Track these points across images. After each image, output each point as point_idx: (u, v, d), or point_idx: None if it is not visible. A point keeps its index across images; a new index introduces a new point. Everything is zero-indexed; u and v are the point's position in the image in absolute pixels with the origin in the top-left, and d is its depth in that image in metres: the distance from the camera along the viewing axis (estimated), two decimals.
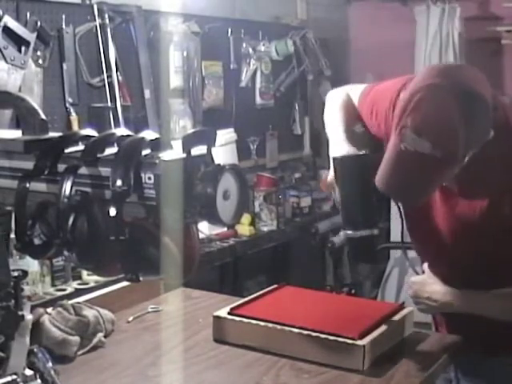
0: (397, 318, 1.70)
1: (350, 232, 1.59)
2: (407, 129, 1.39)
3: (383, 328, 1.63)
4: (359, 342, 1.54)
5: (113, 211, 1.09)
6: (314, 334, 1.58)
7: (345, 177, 1.61)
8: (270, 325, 1.63)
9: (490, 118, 1.43)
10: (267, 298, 1.83)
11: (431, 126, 1.39)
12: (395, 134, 1.42)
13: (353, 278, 3.29)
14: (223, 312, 1.71)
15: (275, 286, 1.92)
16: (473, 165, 1.44)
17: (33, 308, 1.50)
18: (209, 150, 1.18)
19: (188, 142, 1.15)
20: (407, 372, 1.52)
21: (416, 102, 1.40)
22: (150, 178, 1.11)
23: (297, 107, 3.98)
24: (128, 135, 1.21)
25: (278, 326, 1.62)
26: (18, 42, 2.48)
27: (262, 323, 1.64)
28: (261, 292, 1.87)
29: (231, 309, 1.71)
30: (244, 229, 3.18)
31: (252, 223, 3.26)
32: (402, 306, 1.75)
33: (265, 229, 3.30)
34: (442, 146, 1.37)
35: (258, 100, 3.73)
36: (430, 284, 1.69)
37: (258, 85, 3.71)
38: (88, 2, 2.77)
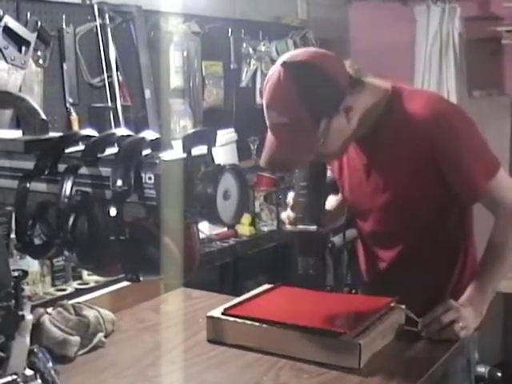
0: (391, 314, 1.70)
1: (301, 227, 1.75)
2: (264, 108, 1.67)
3: (378, 325, 1.64)
4: (355, 340, 1.54)
5: (113, 211, 1.09)
6: (307, 332, 1.58)
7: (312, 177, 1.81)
8: (264, 325, 1.63)
9: (335, 93, 1.65)
10: (261, 298, 1.83)
11: (273, 97, 1.65)
12: None
13: (353, 278, 3.29)
14: (217, 312, 1.71)
15: (268, 285, 1.92)
16: (376, 144, 1.75)
17: (33, 308, 1.50)
18: (209, 150, 1.18)
19: (188, 142, 1.15)
20: (407, 372, 1.52)
21: (265, 85, 1.68)
22: (150, 178, 1.11)
23: None
24: (128, 135, 1.21)
25: (272, 326, 1.62)
26: (19, 41, 2.48)
27: (255, 323, 1.64)
28: (254, 292, 1.87)
29: (225, 309, 1.71)
30: (244, 229, 3.18)
31: (252, 223, 3.25)
32: (393, 300, 1.75)
33: (265, 229, 3.30)
34: (285, 112, 1.63)
35: (259, 100, 3.73)
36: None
37: (258, 85, 3.70)
38: (88, 2, 2.77)
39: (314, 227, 1.73)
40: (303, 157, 1.71)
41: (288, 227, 1.77)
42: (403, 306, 1.73)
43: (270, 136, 1.71)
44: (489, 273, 1.76)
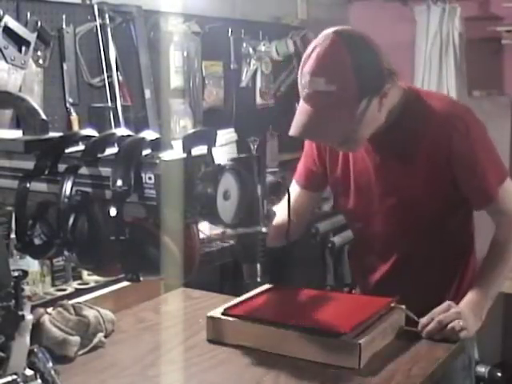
0: (391, 314, 1.70)
1: (241, 229, 1.54)
2: (305, 75, 1.63)
3: (378, 325, 1.64)
4: (355, 340, 1.54)
5: (113, 211, 1.10)
6: (307, 332, 1.58)
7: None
8: (264, 325, 1.63)
9: (381, 73, 1.64)
10: (261, 298, 1.83)
11: (323, 64, 1.61)
12: (300, 90, 1.66)
13: (353, 278, 3.29)
14: (217, 312, 1.71)
15: (268, 285, 1.92)
16: (391, 143, 1.73)
17: (33, 308, 1.50)
18: (209, 150, 1.18)
19: (188, 142, 1.15)
20: (407, 372, 1.52)
21: (310, 52, 1.64)
22: (150, 178, 1.11)
23: (297, 107, 3.97)
24: (128, 135, 1.21)
25: (272, 326, 1.62)
26: (19, 41, 2.48)
27: (255, 323, 1.64)
28: (254, 292, 1.87)
29: (225, 309, 1.71)
30: None
31: None
32: (393, 300, 1.75)
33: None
34: (334, 80, 1.59)
35: (259, 100, 3.73)
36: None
37: (258, 85, 3.71)
38: (88, 2, 2.77)
39: (255, 229, 1.56)
40: (337, 132, 1.67)
41: (228, 232, 1.62)
42: (403, 307, 1.73)
43: (303, 106, 1.67)
44: (489, 277, 1.76)
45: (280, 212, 1.70)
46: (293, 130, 1.70)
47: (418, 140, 1.74)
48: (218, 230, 3.00)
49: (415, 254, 1.83)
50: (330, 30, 1.65)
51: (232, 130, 3.45)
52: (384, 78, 1.65)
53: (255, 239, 1.56)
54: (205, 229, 2.83)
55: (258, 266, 1.57)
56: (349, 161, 1.86)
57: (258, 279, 1.57)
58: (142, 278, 1.17)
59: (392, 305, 1.74)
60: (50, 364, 1.39)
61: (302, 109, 1.68)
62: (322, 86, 1.60)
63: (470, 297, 1.73)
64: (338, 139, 1.71)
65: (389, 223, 1.84)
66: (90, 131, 1.26)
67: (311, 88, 1.63)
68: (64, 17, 2.66)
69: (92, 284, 2.16)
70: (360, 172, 1.85)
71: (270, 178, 1.64)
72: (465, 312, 1.68)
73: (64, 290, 2.16)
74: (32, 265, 2.05)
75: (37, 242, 1.21)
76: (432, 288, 1.83)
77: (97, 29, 2.77)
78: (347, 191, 1.89)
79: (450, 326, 1.65)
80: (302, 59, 1.67)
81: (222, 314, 1.70)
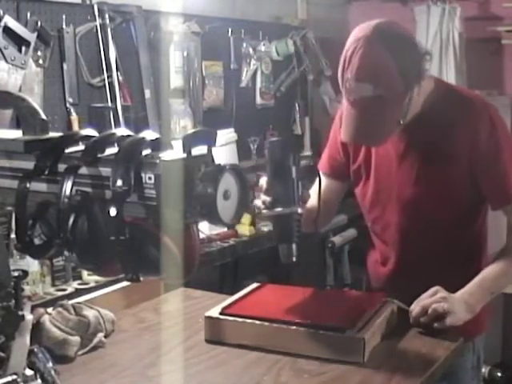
0: (385, 308, 1.71)
1: (279, 209, 1.59)
2: (349, 80, 1.61)
3: (376, 319, 1.64)
4: (359, 335, 1.55)
5: (113, 211, 1.10)
6: (312, 328, 1.58)
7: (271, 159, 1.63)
8: (266, 323, 1.63)
9: (420, 62, 1.64)
10: (254, 296, 1.83)
11: (367, 69, 1.59)
12: (344, 93, 1.65)
13: (353, 278, 3.29)
14: (214, 312, 1.71)
15: (258, 284, 1.92)
16: (417, 133, 1.73)
17: (33, 308, 1.50)
18: (209, 150, 1.18)
19: (188, 142, 1.15)
20: (407, 372, 1.52)
21: (349, 55, 1.62)
22: (150, 178, 1.11)
23: (297, 107, 3.98)
24: (128, 135, 1.21)
25: (275, 324, 1.62)
26: (19, 42, 2.49)
27: (257, 321, 1.64)
28: (246, 290, 1.86)
29: (222, 308, 1.71)
30: (244, 229, 3.18)
31: (252, 223, 3.25)
32: (385, 294, 1.76)
33: (265, 229, 3.29)
34: (381, 83, 1.59)
35: (259, 100, 3.73)
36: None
37: (258, 85, 3.71)
38: (88, 2, 2.77)
39: (291, 209, 1.58)
40: (388, 129, 1.68)
41: (264, 212, 1.63)
42: (395, 300, 1.74)
43: (351, 111, 1.65)
44: (494, 274, 1.75)
45: (310, 198, 1.72)
46: (346, 137, 1.69)
47: (445, 131, 1.73)
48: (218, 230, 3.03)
49: (427, 250, 1.82)
50: (367, 30, 1.64)
51: (232, 130, 3.46)
52: (423, 63, 1.65)
53: (291, 219, 1.58)
54: (205, 229, 2.84)
55: (294, 246, 1.58)
56: (371, 148, 1.85)
57: (294, 259, 1.58)
58: (141, 278, 1.17)
59: (384, 299, 1.75)
60: (50, 364, 1.39)
61: (350, 114, 1.66)
62: (370, 91, 1.59)
63: (469, 287, 1.72)
64: (389, 135, 1.71)
65: (404, 215, 1.82)
66: (90, 131, 1.26)
67: (358, 94, 1.61)
68: (64, 17, 2.66)
69: (92, 284, 2.16)
70: (382, 160, 1.83)
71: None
72: (454, 298, 1.67)
73: (64, 290, 2.16)
74: (32, 265, 2.05)
75: (37, 241, 1.21)
76: (443, 287, 1.80)
77: (97, 29, 2.77)
78: (367, 179, 1.88)
79: (432, 307, 1.63)
80: (341, 62, 1.65)
81: (220, 313, 1.70)
